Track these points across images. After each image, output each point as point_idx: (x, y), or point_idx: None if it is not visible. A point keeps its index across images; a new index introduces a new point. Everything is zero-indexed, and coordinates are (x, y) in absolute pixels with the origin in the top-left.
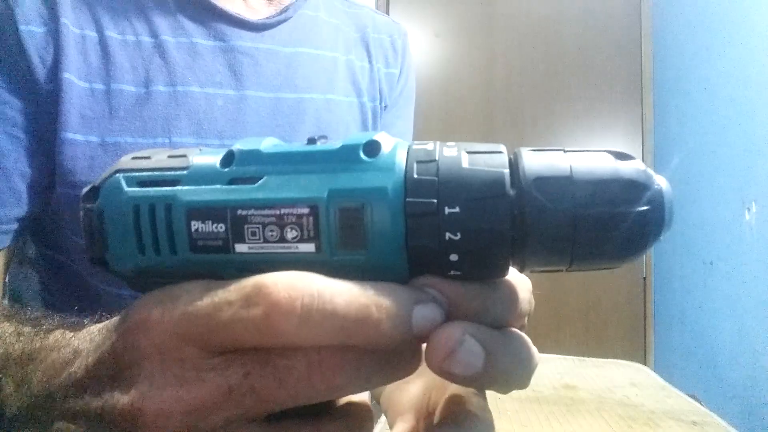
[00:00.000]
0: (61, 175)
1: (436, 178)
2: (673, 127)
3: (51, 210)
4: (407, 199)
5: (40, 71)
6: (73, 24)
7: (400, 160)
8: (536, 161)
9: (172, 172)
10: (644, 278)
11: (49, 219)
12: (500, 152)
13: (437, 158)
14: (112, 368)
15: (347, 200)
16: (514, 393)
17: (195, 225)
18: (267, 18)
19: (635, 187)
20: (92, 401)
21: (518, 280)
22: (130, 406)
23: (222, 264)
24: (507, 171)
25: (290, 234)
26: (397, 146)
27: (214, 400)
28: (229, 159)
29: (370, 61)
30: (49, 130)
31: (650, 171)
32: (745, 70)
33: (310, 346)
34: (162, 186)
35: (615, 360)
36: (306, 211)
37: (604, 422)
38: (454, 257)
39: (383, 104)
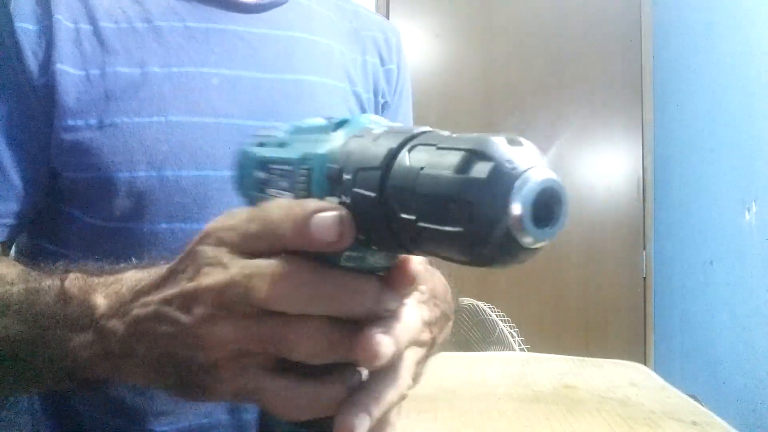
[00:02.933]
0: (64, 162)
1: (347, 150)
2: (673, 126)
3: (52, 200)
4: (326, 165)
5: (34, 66)
6: (66, 19)
7: (346, 134)
8: (434, 137)
9: (265, 137)
10: (644, 278)
11: (48, 209)
12: (415, 132)
13: (363, 135)
14: (180, 267)
15: (307, 162)
16: (514, 393)
17: (257, 174)
18: (260, 2)
19: (476, 153)
20: (166, 290)
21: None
22: (192, 287)
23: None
24: (397, 144)
25: (282, 183)
26: (366, 123)
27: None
28: (291, 128)
29: (362, 54)
30: (45, 123)
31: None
32: (746, 70)
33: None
34: (258, 146)
35: (615, 360)
36: (296, 169)
37: (604, 422)
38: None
39: (383, 99)
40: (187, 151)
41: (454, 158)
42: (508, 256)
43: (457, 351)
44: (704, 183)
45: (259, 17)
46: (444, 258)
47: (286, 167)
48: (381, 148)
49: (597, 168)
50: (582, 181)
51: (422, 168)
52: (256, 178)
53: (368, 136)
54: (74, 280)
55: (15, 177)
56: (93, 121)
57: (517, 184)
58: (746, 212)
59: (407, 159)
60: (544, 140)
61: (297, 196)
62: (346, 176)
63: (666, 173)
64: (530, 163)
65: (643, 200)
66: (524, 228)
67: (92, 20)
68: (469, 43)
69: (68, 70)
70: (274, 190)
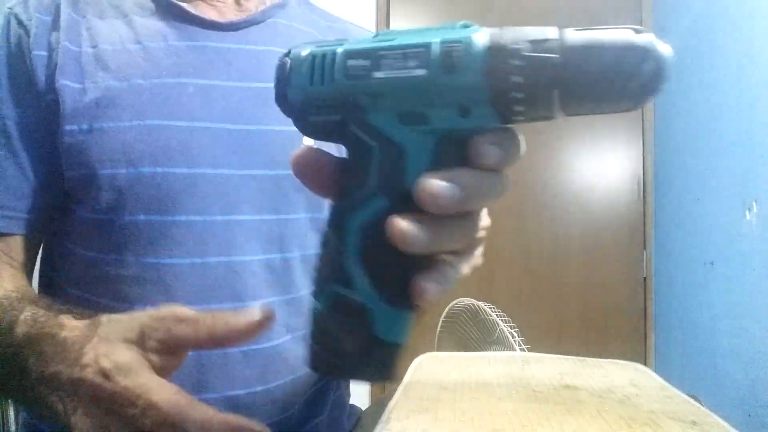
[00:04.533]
0: (65, 162)
1: (508, 34)
2: (673, 127)
3: (61, 198)
4: (491, 42)
5: (43, 86)
6: (72, 44)
7: (485, 30)
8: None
9: (338, 42)
10: (645, 278)
11: (60, 208)
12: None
13: (508, 31)
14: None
15: (450, 43)
16: (514, 393)
17: (350, 62)
18: (235, 21)
19: (636, 30)
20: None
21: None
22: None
23: (363, 88)
24: (558, 31)
25: (411, 63)
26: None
27: None
28: (375, 34)
29: None
30: (53, 131)
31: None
32: (746, 70)
33: None
34: (331, 46)
35: (615, 360)
36: (423, 49)
37: (604, 422)
38: (518, 79)
39: None
40: (161, 151)
41: (624, 33)
42: (656, 89)
43: (457, 351)
44: (705, 183)
45: (234, 35)
46: (602, 107)
47: (413, 49)
48: (543, 29)
49: (597, 168)
50: (582, 181)
51: (600, 40)
52: (341, 67)
53: (512, 30)
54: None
55: (31, 176)
56: (85, 126)
57: (661, 45)
58: (747, 212)
59: (575, 34)
60: (544, 139)
61: (436, 69)
62: (515, 46)
63: (666, 173)
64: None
65: (644, 200)
66: (666, 70)
67: (94, 43)
68: None
69: (69, 84)
70: (386, 71)
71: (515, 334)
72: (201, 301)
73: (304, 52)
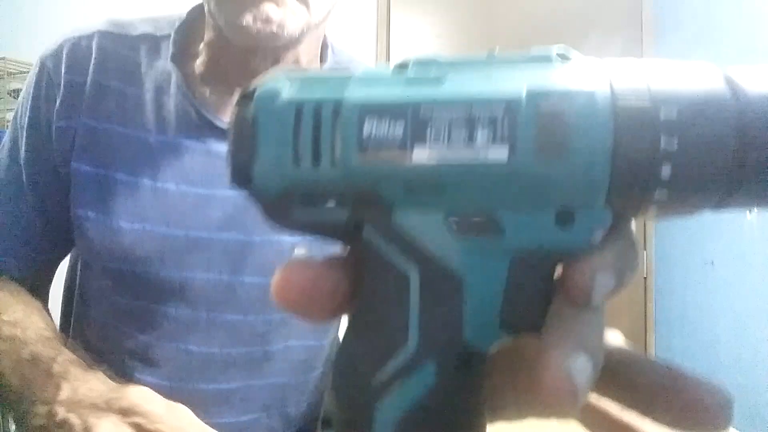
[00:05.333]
0: (78, 241)
1: (648, 82)
2: None
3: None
4: (618, 101)
5: (59, 159)
6: (92, 120)
7: (598, 64)
8: (739, 69)
9: (339, 78)
10: (645, 278)
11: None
12: (703, 63)
13: (640, 66)
14: None
15: (550, 101)
16: None
17: (368, 126)
18: None
19: None
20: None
21: None
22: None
23: (392, 176)
24: (723, 75)
25: (481, 137)
26: (586, 57)
27: None
28: (403, 65)
29: None
30: (64, 203)
31: None
32: None
33: None
34: (328, 88)
35: None
36: (502, 111)
37: None
38: (666, 171)
39: None
40: (158, 257)
41: None
42: None
43: None
44: None
45: None
46: None
47: (484, 109)
48: (705, 75)
49: None
50: None
51: None
52: (352, 133)
53: (649, 66)
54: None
55: (40, 235)
56: (91, 214)
57: None
58: (748, 212)
59: (761, 89)
60: None
61: (528, 151)
62: (667, 113)
63: None
64: None
65: None
66: None
67: (112, 121)
68: (470, 43)
69: (82, 168)
70: (435, 148)
71: None
72: (182, 380)
73: (283, 95)
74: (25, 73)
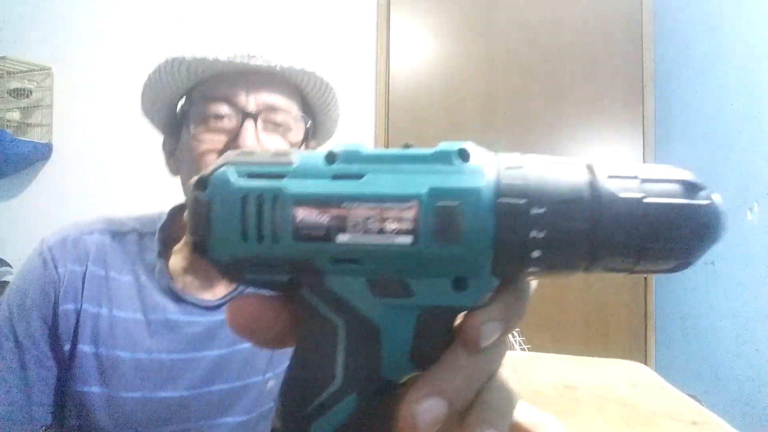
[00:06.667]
0: (72, 411)
1: (525, 182)
2: (674, 126)
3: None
4: (499, 199)
5: (66, 339)
6: (92, 306)
7: (490, 164)
8: (607, 167)
9: (279, 167)
10: (645, 278)
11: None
12: (578, 163)
13: (523, 165)
14: None
15: (445, 198)
16: None
17: (300, 215)
18: (222, 297)
19: (693, 185)
20: None
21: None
22: None
23: (321, 252)
24: (588, 177)
25: (390, 226)
26: (485, 153)
27: None
28: (331, 158)
29: None
30: (63, 383)
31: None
32: (747, 70)
33: None
34: (269, 178)
35: (615, 360)
36: (407, 206)
37: (604, 422)
38: (536, 254)
39: None
40: (158, 417)
41: (673, 187)
42: (711, 246)
43: None
44: (706, 183)
45: (219, 311)
46: (648, 270)
47: (393, 205)
48: (572, 179)
49: None
50: None
51: (643, 197)
52: (287, 220)
53: (530, 167)
54: None
55: (37, 412)
56: (96, 390)
57: (719, 201)
58: (748, 212)
59: (614, 189)
60: (544, 140)
61: (427, 238)
62: (537, 210)
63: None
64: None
65: None
66: (723, 228)
67: (110, 306)
68: (469, 42)
69: (86, 349)
70: (354, 234)
71: (516, 334)
72: None
73: (231, 186)
74: (25, 72)
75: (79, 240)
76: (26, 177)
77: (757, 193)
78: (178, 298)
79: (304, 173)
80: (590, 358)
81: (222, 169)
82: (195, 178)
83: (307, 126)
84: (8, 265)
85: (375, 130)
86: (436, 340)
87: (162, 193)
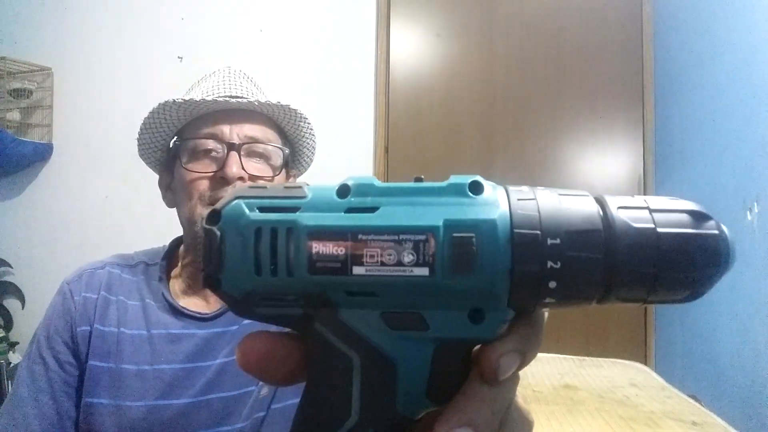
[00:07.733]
0: (84, 422)
1: (538, 214)
2: (674, 127)
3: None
4: (514, 230)
5: (83, 357)
6: (102, 325)
7: (502, 197)
8: (617, 199)
9: (292, 200)
10: None
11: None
12: (587, 195)
13: (535, 197)
14: None
15: (461, 229)
16: None
17: (316, 248)
18: (216, 310)
19: (701, 215)
20: None
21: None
22: None
23: (336, 285)
24: (599, 208)
25: (407, 258)
26: (495, 187)
27: None
28: (344, 191)
29: None
30: (76, 395)
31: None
32: (747, 70)
33: None
34: (282, 212)
35: (615, 360)
36: (423, 237)
37: (604, 422)
38: (552, 284)
39: None
40: (160, 425)
41: (683, 217)
42: (723, 275)
43: None
44: (705, 183)
45: (215, 322)
46: (661, 300)
47: (409, 237)
48: (584, 210)
49: (597, 168)
50: (582, 181)
51: (656, 227)
52: (302, 254)
53: (542, 199)
54: None
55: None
56: (105, 401)
57: (727, 231)
58: (748, 213)
59: (627, 219)
60: (544, 140)
61: (443, 270)
62: (552, 241)
63: (666, 173)
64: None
65: None
66: (734, 258)
67: (118, 325)
68: (470, 42)
69: (97, 364)
70: (370, 268)
71: None
72: None
73: (245, 219)
74: (25, 72)
75: (93, 274)
76: (26, 177)
77: (756, 193)
78: (178, 313)
79: (317, 206)
80: (590, 358)
81: (234, 202)
82: (207, 212)
83: (285, 153)
84: (8, 265)
85: (375, 130)
86: (452, 374)
87: (161, 193)
